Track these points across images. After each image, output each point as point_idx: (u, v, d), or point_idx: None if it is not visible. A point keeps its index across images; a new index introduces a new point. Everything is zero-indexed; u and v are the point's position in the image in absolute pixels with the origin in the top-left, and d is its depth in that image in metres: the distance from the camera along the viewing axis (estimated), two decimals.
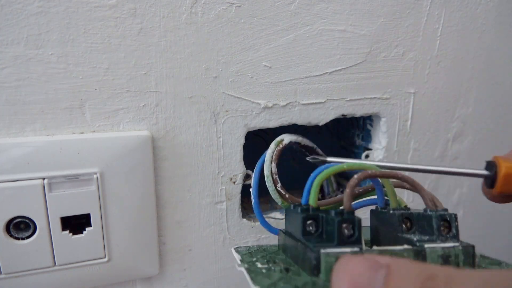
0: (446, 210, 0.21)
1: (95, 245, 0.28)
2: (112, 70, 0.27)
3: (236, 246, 0.25)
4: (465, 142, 0.44)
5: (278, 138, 0.32)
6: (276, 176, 0.29)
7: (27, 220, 0.26)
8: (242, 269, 0.21)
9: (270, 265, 0.21)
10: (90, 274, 0.29)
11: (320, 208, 0.22)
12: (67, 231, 0.27)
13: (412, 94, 0.38)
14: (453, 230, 0.20)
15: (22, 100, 0.26)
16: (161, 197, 0.31)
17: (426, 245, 0.19)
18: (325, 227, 0.20)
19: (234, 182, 0.33)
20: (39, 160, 0.26)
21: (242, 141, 0.32)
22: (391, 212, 0.22)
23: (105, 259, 0.29)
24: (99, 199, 0.27)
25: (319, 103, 0.34)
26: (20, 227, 0.26)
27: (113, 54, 0.27)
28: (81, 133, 0.27)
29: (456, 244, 0.19)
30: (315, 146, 0.34)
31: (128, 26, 0.27)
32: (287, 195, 0.29)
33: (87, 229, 0.28)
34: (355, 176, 0.20)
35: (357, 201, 0.26)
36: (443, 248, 0.19)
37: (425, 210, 0.21)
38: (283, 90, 0.32)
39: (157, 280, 0.33)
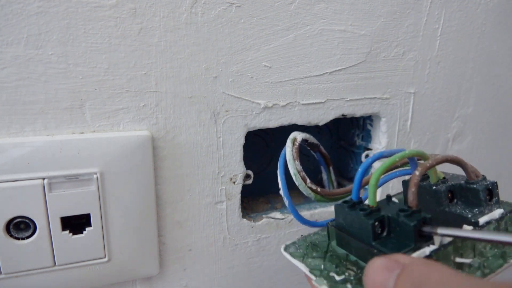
0: (485, 178, 0.22)
1: (95, 245, 0.28)
2: (112, 70, 0.27)
3: (284, 247, 0.24)
4: (465, 142, 0.44)
5: (291, 136, 0.32)
6: (303, 173, 0.29)
7: (27, 220, 0.26)
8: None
9: (346, 274, 0.20)
10: (90, 274, 0.29)
11: (333, 197, 0.22)
12: (67, 231, 0.27)
13: (412, 94, 0.38)
14: (495, 197, 0.22)
15: (22, 100, 0.26)
16: (161, 197, 0.31)
17: (479, 220, 0.20)
18: (393, 228, 0.20)
19: (234, 182, 0.33)
20: (39, 160, 0.26)
21: (242, 141, 0.32)
22: (434, 188, 0.22)
23: (105, 259, 0.29)
24: (99, 199, 0.27)
25: (319, 103, 0.34)
26: (20, 227, 0.26)
27: (113, 54, 0.27)
28: (81, 133, 0.27)
29: (501, 210, 0.21)
30: (319, 143, 0.34)
31: (128, 26, 0.27)
32: (319, 189, 0.28)
33: (87, 229, 0.28)
34: (416, 172, 0.20)
35: (387, 174, 0.25)
36: (495, 221, 0.21)
37: (467, 182, 0.22)
38: (283, 90, 0.32)
39: (157, 280, 0.33)
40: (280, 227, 0.36)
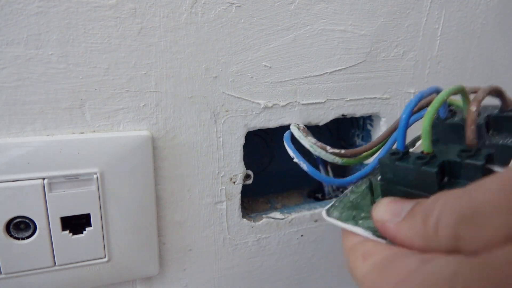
0: None
1: (95, 245, 0.28)
2: (112, 70, 0.27)
3: (325, 212, 0.21)
4: None
5: (292, 125, 0.32)
6: (320, 143, 0.28)
7: (27, 220, 0.26)
8: None
9: None
10: (90, 274, 0.29)
11: (361, 156, 0.21)
12: (67, 231, 0.27)
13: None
14: None
15: (22, 100, 0.26)
16: (161, 197, 0.31)
17: None
18: (456, 172, 0.18)
19: (234, 182, 0.33)
20: (39, 160, 0.26)
21: (242, 141, 0.32)
22: (478, 119, 0.20)
23: (105, 259, 0.29)
24: (99, 199, 0.27)
25: (319, 103, 0.34)
26: (20, 227, 0.26)
27: (113, 54, 0.27)
28: (81, 133, 0.27)
29: None
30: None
31: (128, 26, 0.27)
32: (343, 151, 0.27)
33: (87, 229, 0.28)
34: (472, 108, 0.18)
35: (414, 116, 0.24)
36: None
37: (502, 110, 0.21)
38: (283, 90, 0.32)
39: (157, 280, 0.33)
40: (280, 227, 0.36)
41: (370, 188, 0.21)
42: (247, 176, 0.34)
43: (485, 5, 0.39)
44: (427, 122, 0.18)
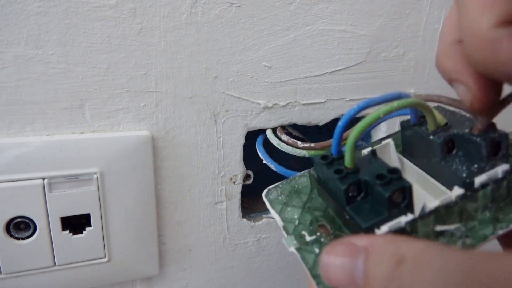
0: (494, 128, 0.18)
1: (95, 245, 0.28)
2: (112, 70, 0.27)
3: (266, 191, 0.22)
4: None
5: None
6: (291, 140, 0.29)
7: (27, 220, 0.26)
8: (293, 249, 0.18)
9: (317, 234, 0.19)
10: (90, 274, 0.29)
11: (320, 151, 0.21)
12: (67, 231, 0.27)
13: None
14: (503, 150, 0.18)
15: (22, 100, 0.26)
16: (161, 197, 0.31)
17: (475, 180, 0.17)
18: (370, 192, 0.18)
19: (234, 182, 0.33)
20: (39, 160, 0.26)
21: (242, 141, 0.32)
22: (430, 138, 0.19)
23: (105, 259, 0.29)
24: (99, 199, 0.27)
25: (319, 103, 0.34)
26: (20, 227, 0.26)
27: (113, 54, 0.27)
28: (81, 133, 0.27)
29: (506, 167, 0.17)
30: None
31: (128, 26, 0.27)
32: (313, 145, 0.28)
33: (87, 229, 0.28)
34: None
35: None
36: (493, 182, 0.17)
37: (471, 133, 0.18)
38: (283, 90, 0.32)
39: (157, 280, 0.33)
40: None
41: (310, 180, 0.22)
42: (247, 176, 0.34)
43: None
44: (350, 140, 0.18)
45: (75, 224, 0.27)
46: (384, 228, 0.16)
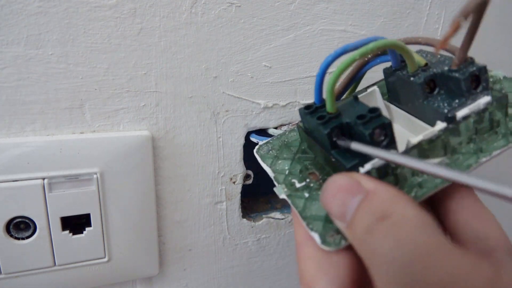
0: (472, 61, 0.18)
1: (95, 245, 0.28)
2: (112, 70, 0.27)
3: (257, 148, 0.23)
4: None
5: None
6: (284, 127, 0.30)
7: (27, 220, 0.26)
8: (284, 196, 0.19)
9: (307, 180, 0.19)
10: (90, 274, 0.29)
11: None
12: (67, 231, 0.27)
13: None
14: (483, 83, 0.18)
15: (22, 100, 0.26)
16: (161, 197, 0.31)
17: (457, 113, 0.17)
18: (353, 135, 0.18)
19: (234, 182, 0.33)
20: (39, 160, 0.26)
21: (242, 141, 0.32)
22: (411, 79, 0.19)
23: (105, 259, 0.29)
24: (99, 199, 0.27)
25: None
26: (20, 227, 0.26)
27: (113, 54, 0.27)
28: (81, 133, 0.27)
29: (488, 99, 0.18)
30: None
31: (128, 26, 0.27)
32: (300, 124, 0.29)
33: (87, 229, 0.28)
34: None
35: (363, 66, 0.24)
36: (475, 113, 0.18)
37: (450, 70, 0.18)
38: (283, 90, 0.32)
39: (157, 280, 0.33)
40: (280, 227, 0.36)
41: (299, 133, 0.22)
42: (247, 176, 0.34)
43: None
44: (329, 84, 0.18)
45: (75, 224, 0.27)
46: (368, 166, 0.17)
